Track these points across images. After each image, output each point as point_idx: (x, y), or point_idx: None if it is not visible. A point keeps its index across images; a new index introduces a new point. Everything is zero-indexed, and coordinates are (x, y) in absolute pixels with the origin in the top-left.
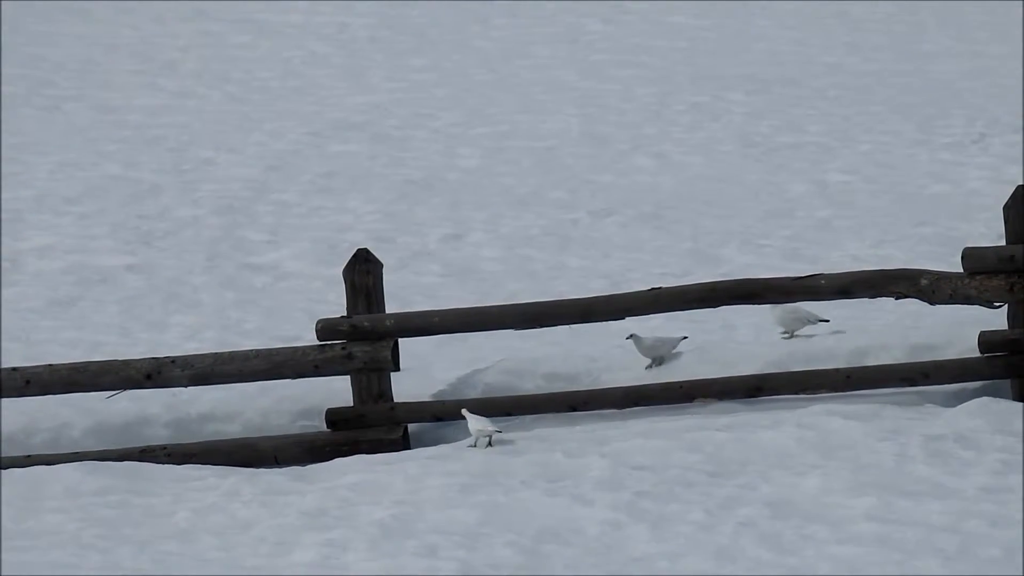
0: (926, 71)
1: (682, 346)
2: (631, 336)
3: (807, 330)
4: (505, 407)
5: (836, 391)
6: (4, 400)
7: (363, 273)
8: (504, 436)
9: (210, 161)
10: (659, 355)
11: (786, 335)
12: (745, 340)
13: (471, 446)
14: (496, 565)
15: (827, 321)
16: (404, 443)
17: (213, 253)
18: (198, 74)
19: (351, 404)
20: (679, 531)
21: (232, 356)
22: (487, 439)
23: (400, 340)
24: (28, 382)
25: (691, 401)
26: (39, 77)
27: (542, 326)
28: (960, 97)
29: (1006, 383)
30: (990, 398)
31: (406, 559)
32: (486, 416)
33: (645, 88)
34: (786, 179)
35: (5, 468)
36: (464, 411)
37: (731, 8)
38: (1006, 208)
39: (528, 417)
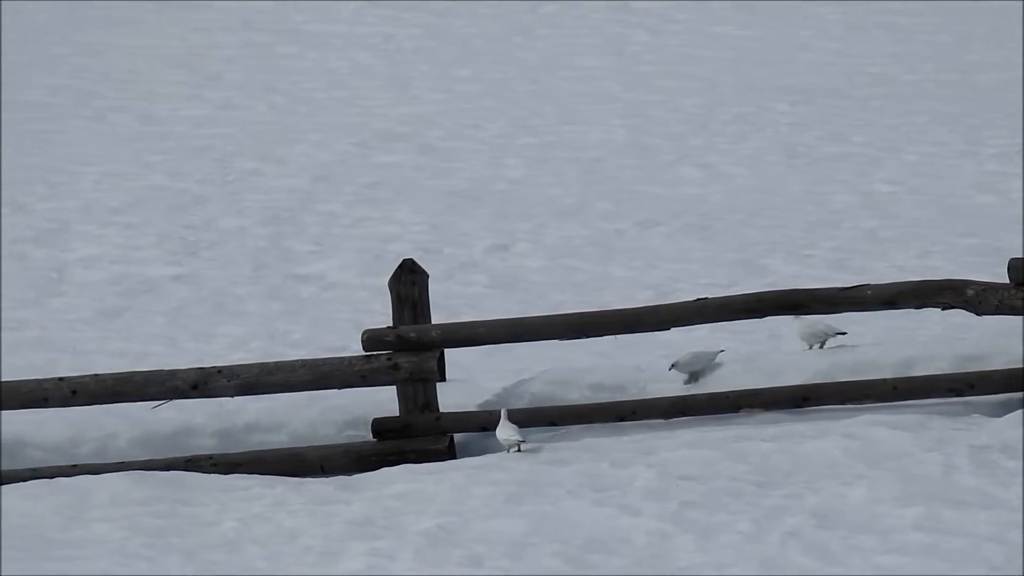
0: (971, 81)
1: (727, 356)
2: (673, 367)
3: (828, 342)
4: (551, 417)
5: (882, 401)
6: (51, 410)
7: (409, 284)
8: (554, 445)
9: (256, 171)
10: (696, 370)
11: (812, 347)
12: (791, 350)
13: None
14: (542, 575)
15: (844, 333)
16: (450, 453)
17: (259, 263)
18: (243, 85)
19: (397, 414)
20: (726, 541)
21: (278, 366)
22: (515, 448)
23: (446, 350)
24: (74, 392)
25: (737, 411)
26: (85, 88)
27: (588, 336)
28: (1006, 107)
29: None
30: None
31: (452, 568)
32: (532, 426)
33: (691, 99)
34: (831, 190)
35: (52, 477)
36: (503, 411)
37: (777, 18)
38: None
39: (575, 427)
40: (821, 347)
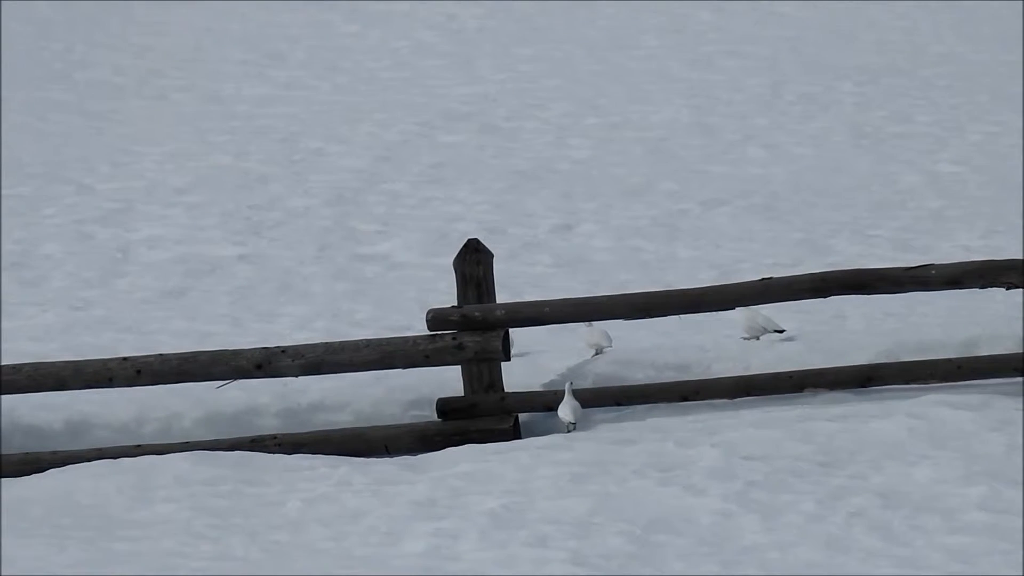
0: None
1: (793, 335)
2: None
3: (766, 337)
4: (615, 397)
5: (947, 381)
6: (115, 390)
7: (473, 263)
8: (618, 425)
9: (320, 151)
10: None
11: (747, 338)
12: (856, 330)
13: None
14: (607, 555)
15: (783, 331)
16: (515, 433)
17: (324, 243)
18: (307, 64)
19: (462, 394)
20: (790, 521)
21: (343, 346)
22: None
23: (510, 330)
24: (139, 372)
25: (801, 391)
26: (148, 67)
27: (652, 316)
28: None
29: None
30: None
31: (517, 549)
32: (597, 406)
33: (754, 78)
34: (897, 169)
35: (116, 457)
36: (568, 385)
37: None
38: None
39: (640, 407)
40: (758, 340)
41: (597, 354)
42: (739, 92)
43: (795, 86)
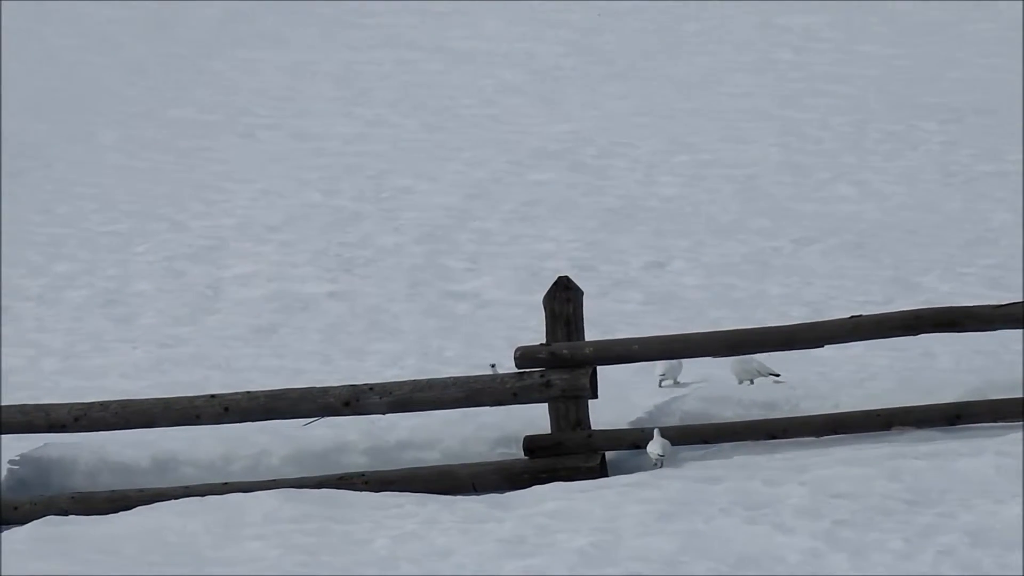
0: None
1: (882, 373)
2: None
3: (763, 380)
4: (703, 434)
5: None
6: (203, 427)
7: (563, 301)
8: (705, 463)
9: (410, 189)
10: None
11: (742, 383)
12: (945, 368)
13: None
14: None
15: (778, 375)
16: (602, 471)
17: (414, 281)
18: (394, 102)
19: (549, 432)
20: (878, 560)
21: (430, 384)
22: (658, 464)
23: (598, 367)
24: (227, 409)
25: (890, 429)
26: (238, 105)
27: (742, 353)
28: None
29: None
30: None
31: None
32: (684, 444)
33: (842, 117)
34: (987, 208)
35: (204, 495)
36: (656, 430)
37: (922, 37)
38: None
39: (727, 445)
40: (752, 383)
41: (673, 384)
42: (827, 130)
43: (881, 124)
